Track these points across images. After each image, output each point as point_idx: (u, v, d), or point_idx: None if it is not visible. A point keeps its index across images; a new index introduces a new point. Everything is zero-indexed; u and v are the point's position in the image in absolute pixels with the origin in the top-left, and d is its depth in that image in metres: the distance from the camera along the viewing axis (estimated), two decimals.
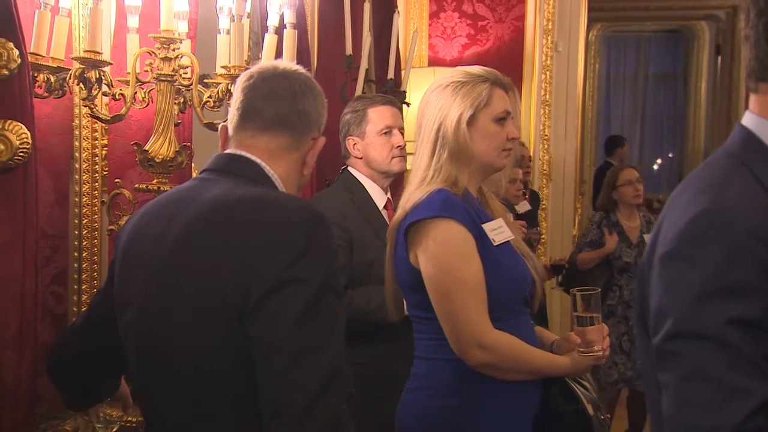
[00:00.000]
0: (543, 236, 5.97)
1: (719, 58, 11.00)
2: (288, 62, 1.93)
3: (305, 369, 1.49)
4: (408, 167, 3.00)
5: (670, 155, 12.53)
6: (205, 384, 1.61)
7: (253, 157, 1.76)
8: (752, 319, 1.18)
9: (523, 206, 5.06)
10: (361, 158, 3.08)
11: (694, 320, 1.21)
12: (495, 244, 2.26)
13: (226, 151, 1.80)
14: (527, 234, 4.71)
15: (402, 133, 3.09)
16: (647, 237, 5.05)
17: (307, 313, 1.51)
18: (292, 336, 1.50)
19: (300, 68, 1.86)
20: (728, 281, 1.19)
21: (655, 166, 12.74)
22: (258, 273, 1.53)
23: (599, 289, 2.31)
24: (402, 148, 3.07)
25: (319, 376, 1.49)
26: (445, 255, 2.20)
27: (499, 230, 2.30)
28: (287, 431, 1.48)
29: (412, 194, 2.28)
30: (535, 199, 5.59)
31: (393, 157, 3.06)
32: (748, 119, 1.36)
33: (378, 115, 3.06)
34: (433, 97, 2.34)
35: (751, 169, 1.30)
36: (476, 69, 2.35)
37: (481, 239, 2.24)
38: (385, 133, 3.05)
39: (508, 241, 2.31)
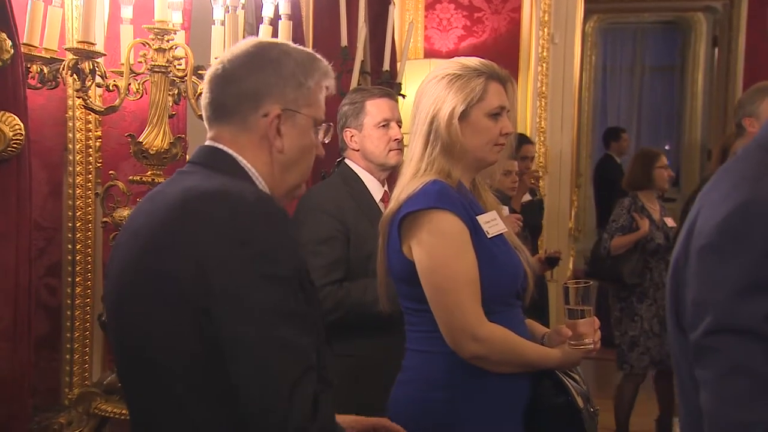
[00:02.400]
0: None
1: (716, 49, 10.97)
2: (249, 39, 1.84)
3: (277, 365, 1.48)
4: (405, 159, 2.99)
5: (667, 147, 12.52)
6: (176, 376, 1.60)
7: (224, 147, 1.73)
8: None
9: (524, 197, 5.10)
10: (358, 150, 3.06)
11: (734, 315, 1.20)
12: (489, 236, 2.26)
13: (205, 143, 1.78)
14: (553, 253, 4.80)
15: (399, 126, 3.08)
16: (668, 220, 5.13)
17: (273, 308, 1.50)
18: (261, 332, 1.49)
19: (255, 41, 1.79)
20: (767, 275, 1.18)
21: None
22: (219, 268, 1.52)
23: (591, 282, 2.31)
24: (399, 140, 3.05)
25: (292, 371, 1.48)
26: (440, 247, 2.20)
27: (492, 223, 2.30)
28: (268, 427, 1.49)
29: (406, 186, 2.27)
30: (537, 206, 5.58)
31: (390, 150, 3.05)
32: None
33: (376, 108, 3.04)
34: (428, 89, 2.33)
35: None
36: (473, 62, 2.34)
37: (476, 231, 2.24)
38: (383, 125, 3.03)
39: (501, 233, 2.31)
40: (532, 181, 5.37)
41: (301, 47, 1.82)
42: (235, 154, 1.72)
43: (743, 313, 1.19)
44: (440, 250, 2.19)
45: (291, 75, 1.73)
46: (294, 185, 1.81)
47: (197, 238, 1.55)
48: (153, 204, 1.70)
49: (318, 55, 1.83)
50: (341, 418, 1.84)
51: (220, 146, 1.73)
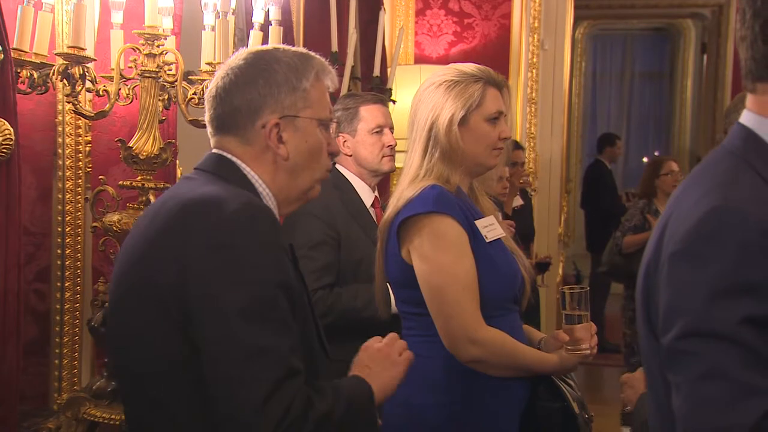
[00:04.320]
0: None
1: (705, 56, 11.04)
2: (241, 51, 1.82)
3: (254, 370, 1.47)
4: (397, 165, 2.99)
5: (656, 153, 12.57)
6: (159, 380, 1.61)
7: (228, 155, 1.74)
8: (766, 317, 1.17)
9: (516, 201, 5.11)
10: (350, 156, 3.06)
11: (708, 319, 1.20)
12: (487, 240, 2.27)
13: (211, 151, 1.78)
14: (543, 258, 4.87)
15: (392, 132, 3.08)
16: None
17: (252, 312, 1.50)
18: (233, 338, 1.49)
19: (246, 53, 1.78)
20: (741, 279, 1.18)
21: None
22: (197, 273, 1.52)
23: (588, 288, 2.32)
24: (392, 147, 3.05)
25: (268, 377, 1.47)
26: (438, 251, 2.20)
27: (491, 227, 2.31)
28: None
29: (404, 192, 2.28)
30: (524, 196, 5.62)
31: (383, 156, 3.04)
32: (746, 118, 1.36)
33: (370, 114, 3.04)
34: (425, 96, 2.33)
35: (754, 168, 1.29)
36: (470, 67, 2.35)
37: (474, 236, 2.25)
38: (377, 131, 3.03)
39: (499, 238, 2.31)
40: (521, 180, 5.38)
41: (292, 48, 1.81)
42: (238, 162, 1.73)
43: (716, 317, 1.19)
44: (439, 254, 2.20)
45: (284, 81, 1.72)
46: (306, 188, 1.80)
47: (181, 244, 1.56)
48: (153, 210, 1.71)
49: (311, 53, 1.81)
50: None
51: (225, 154, 1.74)
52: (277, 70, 1.73)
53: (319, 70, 1.78)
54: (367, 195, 3.07)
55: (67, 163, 3.08)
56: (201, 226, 1.56)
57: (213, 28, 2.78)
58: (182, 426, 1.60)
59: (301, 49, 1.83)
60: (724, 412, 1.16)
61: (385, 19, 4.59)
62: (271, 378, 1.47)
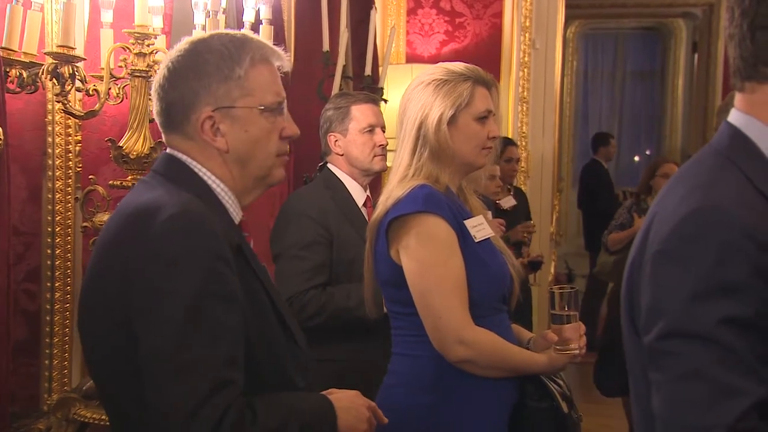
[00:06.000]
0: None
1: (696, 55, 11.08)
2: (182, 41, 1.73)
3: (180, 384, 1.46)
4: (389, 164, 2.99)
5: (648, 152, 12.62)
6: (115, 385, 1.62)
7: (178, 155, 1.70)
8: (745, 318, 1.17)
9: (508, 201, 5.12)
10: (342, 155, 3.06)
11: (688, 319, 1.20)
12: (476, 240, 2.27)
13: (164, 151, 1.76)
14: (523, 228, 4.86)
15: (383, 131, 3.08)
16: None
17: (184, 324, 1.47)
18: (165, 350, 1.47)
19: (182, 44, 1.71)
20: (722, 280, 1.19)
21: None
22: (136, 283, 1.51)
23: (577, 288, 2.32)
24: (384, 146, 3.05)
25: (194, 391, 1.45)
26: (427, 250, 2.20)
27: (479, 227, 2.30)
28: None
29: (393, 191, 2.27)
30: (521, 195, 5.63)
31: (375, 156, 3.04)
32: (734, 117, 1.36)
33: (361, 113, 3.04)
34: (414, 95, 2.33)
35: (739, 167, 1.30)
36: (458, 66, 2.34)
37: (463, 235, 2.24)
38: (368, 131, 3.03)
39: (488, 238, 2.31)
40: (508, 187, 5.39)
41: (231, 33, 1.73)
42: (188, 161, 1.69)
43: (696, 318, 1.20)
44: (428, 254, 2.20)
45: (215, 71, 1.66)
46: (259, 176, 1.73)
47: (123, 253, 1.55)
48: (115, 214, 1.70)
49: (249, 36, 1.74)
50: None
51: (176, 154, 1.71)
52: (208, 60, 1.66)
53: (256, 54, 1.69)
54: (359, 194, 3.07)
55: (56, 162, 3.07)
56: (137, 236, 1.54)
57: (203, 27, 2.77)
58: (128, 416, 1.62)
59: (239, 33, 1.75)
60: (703, 412, 1.17)
61: (377, 18, 4.58)
62: (197, 392, 1.44)
